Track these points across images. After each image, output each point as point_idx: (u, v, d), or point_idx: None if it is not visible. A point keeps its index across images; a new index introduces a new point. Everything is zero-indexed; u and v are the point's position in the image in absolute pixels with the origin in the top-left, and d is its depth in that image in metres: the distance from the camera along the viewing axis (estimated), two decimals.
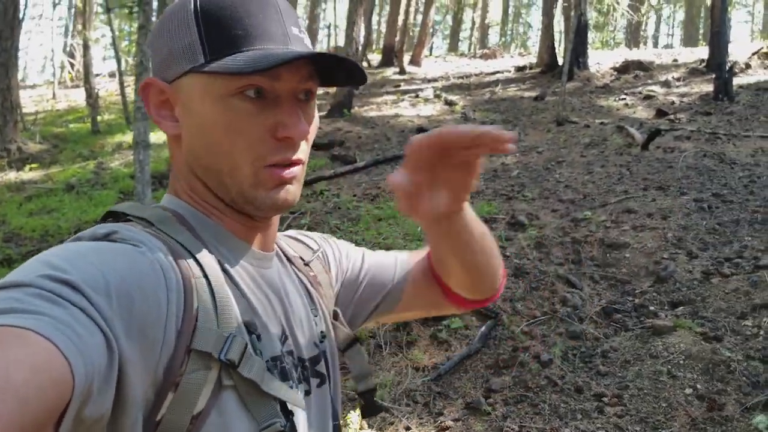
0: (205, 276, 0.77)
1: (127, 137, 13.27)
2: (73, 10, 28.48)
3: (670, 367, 3.78)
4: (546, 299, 4.78)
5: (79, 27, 21.38)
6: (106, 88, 22.50)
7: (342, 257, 1.12)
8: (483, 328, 4.36)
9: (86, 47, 17.92)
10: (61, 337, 0.54)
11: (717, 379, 3.62)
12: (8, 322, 0.54)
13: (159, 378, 0.68)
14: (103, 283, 0.63)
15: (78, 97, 21.53)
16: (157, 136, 12.13)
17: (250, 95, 0.78)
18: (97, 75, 22.14)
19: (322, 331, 0.97)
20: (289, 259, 1.00)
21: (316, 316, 0.98)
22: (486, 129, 0.69)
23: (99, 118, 15.87)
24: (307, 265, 1.04)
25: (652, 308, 4.52)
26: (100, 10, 25.31)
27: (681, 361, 3.81)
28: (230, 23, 0.78)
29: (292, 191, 0.84)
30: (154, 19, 8.93)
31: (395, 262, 1.14)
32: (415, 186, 0.76)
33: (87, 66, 17.34)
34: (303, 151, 0.85)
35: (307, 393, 0.89)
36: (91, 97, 16.12)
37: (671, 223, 5.80)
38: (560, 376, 3.88)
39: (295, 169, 0.84)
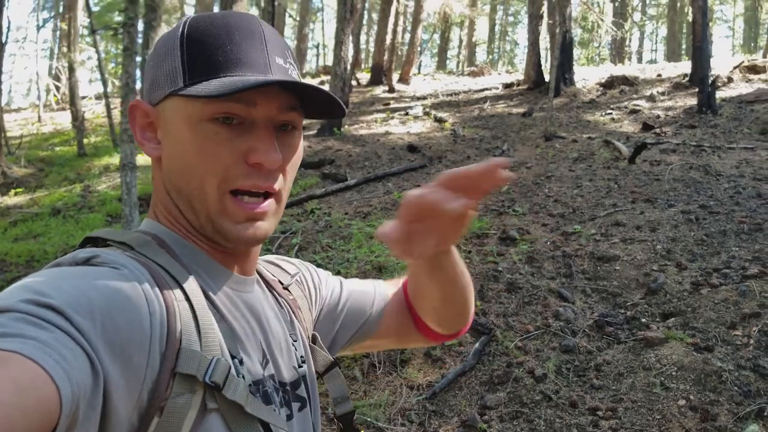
0: (188, 299, 0.77)
1: (114, 159, 13.23)
2: (58, 33, 28.45)
3: (663, 378, 3.80)
4: (539, 314, 4.80)
5: (65, 49, 21.35)
6: (93, 111, 22.42)
7: (321, 284, 1.14)
8: (477, 345, 4.38)
9: (71, 69, 17.89)
10: (47, 359, 0.54)
11: (709, 389, 3.65)
12: None
13: (144, 402, 0.68)
14: (87, 306, 0.63)
15: (64, 120, 21.44)
16: (144, 158, 12.11)
17: (226, 121, 0.79)
18: (84, 97, 22.10)
19: (301, 356, 0.98)
20: (268, 283, 1.01)
21: (295, 340, 0.98)
22: (472, 170, 0.71)
23: (85, 140, 15.81)
24: (286, 288, 1.05)
25: (643, 320, 4.56)
26: (85, 32, 25.33)
27: (673, 373, 3.83)
28: (212, 50, 0.79)
29: (263, 228, 0.84)
30: (139, 40, 8.95)
31: (374, 291, 1.16)
32: (406, 235, 0.76)
33: (73, 88, 17.31)
34: (278, 183, 0.84)
35: (289, 417, 0.90)
36: (77, 119, 16.07)
37: (660, 235, 5.85)
38: (555, 390, 3.89)
39: (267, 204, 0.83)
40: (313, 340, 1.04)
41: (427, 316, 1.10)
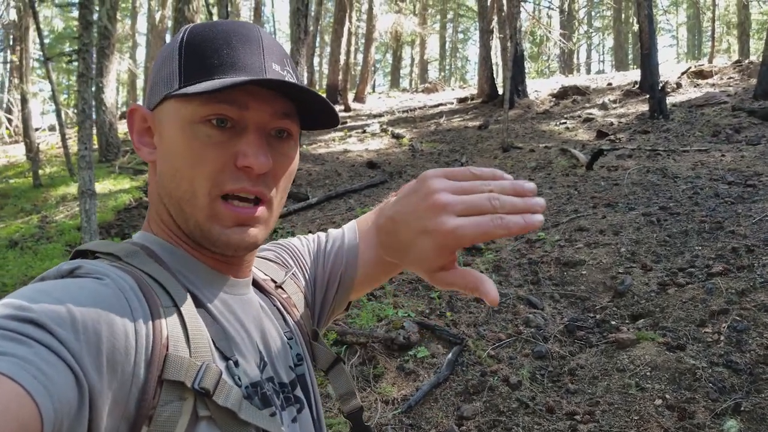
0: (176, 305, 0.75)
1: (71, 189, 12.95)
2: (8, 66, 27.88)
3: (637, 379, 3.80)
4: (509, 321, 4.77)
5: (16, 81, 20.94)
6: (47, 142, 21.98)
7: (305, 258, 1.11)
8: (449, 355, 4.32)
9: (24, 101, 17.53)
10: (26, 376, 0.52)
11: (684, 387, 3.65)
12: None
13: (131, 411, 0.65)
14: (69, 318, 0.60)
15: (17, 153, 20.96)
16: (102, 186, 11.84)
17: (217, 123, 0.77)
18: (37, 129, 21.64)
19: (297, 354, 0.95)
20: (257, 283, 0.97)
21: (290, 339, 0.95)
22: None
23: (41, 171, 15.45)
24: (279, 287, 1.02)
25: (613, 323, 4.56)
26: (36, 65, 24.86)
27: (648, 373, 3.83)
28: (208, 53, 0.79)
29: (252, 234, 0.81)
30: (93, 66, 8.79)
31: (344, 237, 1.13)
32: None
33: (26, 120, 16.95)
34: (269, 188, 0.82)
35: (294, 420, 0.87)
36: (32, 150, 15.71)
37: (623, 238, 5.90)
38: (531, 397, 3.85)
39: (258, 210, 0.81)
40: (314, 336, 1.02)
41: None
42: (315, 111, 0.85)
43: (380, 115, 18.16)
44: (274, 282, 1.02)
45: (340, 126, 16.78)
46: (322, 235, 1.17)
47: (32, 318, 0.58)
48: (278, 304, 0.98)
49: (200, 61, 0.79)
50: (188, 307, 0.76)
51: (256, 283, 0.97)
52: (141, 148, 0.85)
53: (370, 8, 22.27)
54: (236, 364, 0.78)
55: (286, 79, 0.82)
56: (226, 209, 0.79)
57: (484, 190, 0.71)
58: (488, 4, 18.23)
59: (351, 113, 19.40)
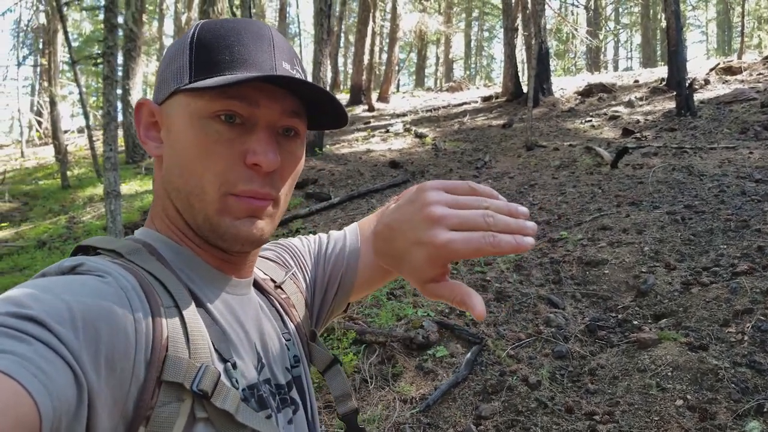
0: (176, 305, 0.75)
1: (98, 190, 13.17)
2: (38, 69, 28.40)
3: (658, 379, 3.75)
4: (529, 321, 4.74)
5: (45, 84, 21.34)
6: (75, 143, 22.38)
7: (306, 260, 1.12)
8: (468, 355, 4.31)
9: (53, 103, 17.87)
10: (26, 374, 0.52)
11: (706, 388, 3.60)
12: None
13: (129, 411, 0.65)
14: (68, 316, 0.60)
15: (47, 155, 21.40)
16: (128, 187, 12.02)
17: (226, 119, 0.78)
18: (66, 131, 22.03)
19: (294, 355, 0.95)
20: (257, 283, 0.98)
21: (288, 340, 0.96)
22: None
23: (69, 173, 15.75)
24: (278, 287, 1.02)
25: (635, 322, 4.51)
26: (65, 68, 25.28)
27: (669, 373, 3.78)
28: (219, 49, 0.79)
29: (261, 227, 0.82)
30: (120, 73, 8.91)
31: (345, 240, 1.15)
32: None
33: (55, 122, 17.28)
34: (276, 188, 0.82)
35: (290, 421, 0.88)
36: (60, 152, 16.01)
37: (647, 237, 5.83)
38: (550, 397, 3.82)
39: (266, 203, 0.81)
40: (312, 337, 1.02)
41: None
42: (324, 110, 0.86)
43: (404, 115, 18.14)
44: (274, 282, 1.02)
45: (363, 126, 16.83)
46: (323, 236, 1.18)
47: (32, 315, 0.58)
48: (277, 304, 0.98)
49: (211, 56, 0.79)
50: (189, 308, 0.76)
51: (255, 283, 0.97)
52: (147, 142, 0.86)
53: (394, 8, 22.25)
54: (234, 366, 0.78)
55: (296, 77, 0.83)
56: (237, 202, 0.79)
57: (481, 206, 0.71)
58: (512, 1, 18.11)
59: (374, 113, 19.41)
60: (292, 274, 1.06)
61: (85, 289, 0.66)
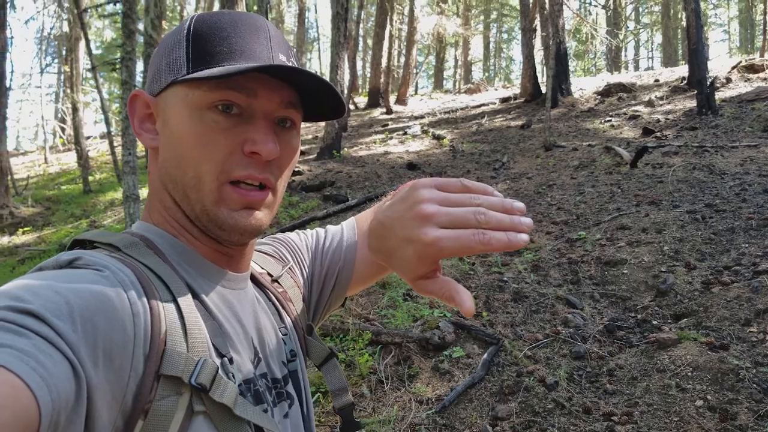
0: (174, 299, 0.75)
1: (119, 194, 13.31)
2: (61, 76, 28.82)
3: (678, 380, 3.69)
4: (547, 321, 4.70)
5: (68, 91, 21.64)
6: (98, 149, 22.67)
7: (303, 255, 1.12)
8: (485, 356, 4.27)
9: (75, 110, 18.10)
10: (25, 368, 0.52)
11: (727, 388, 3.54)
12: None
13: (128, 405, 0.65)
14: (67, 310, 0.60)
15: (70, 160, 21.69)
16: (147, 190, 12.12)
17: (223, 109, 0.78)
18: (88, 137, 22.33)
19: (291, 350, 0.95)
20: (254, 277, 0.98)
21: (285, 334, 0.96)
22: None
23: (90, 177, 15.95)
24: (275, 281, 1.02)
25: (654, 322, 4.45)
26: (88, 75, 25.61)
27: (689, 373, 3.72)
28: (217, 41, 0.79)
29: (259, 218, 0.82)
30: (139, 78, 9.00)
31: (342, 236, 1.16)
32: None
33: (77, 128, 17.50)
34: (274, 176, 0.83)
35: (286, 416, 0.88)
36: (82, 157, 16.21)
37: (666, 237, 5.75)
38: (567, 398, 3.78)
39: (264, 194, 0.82)
40: (309, 331, 1.02)
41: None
42: (321, 101, 0.86)
43: (421, 117, 18.13)
44: (271, 276, 1.02)
45: (381, 128, 16.84)
46: (320, 231, 1.17)
47: (30, 309, 0.58)
48: (274, 298, 0.98)
49: (209, 48, 0.79)
50: (187, 302, 0.76)
51: (252, 277, 0.97)
52: (142, 134, 0.86)
53: (411, 10, 22.28)
54: (231, 361, 0.78)
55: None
56: (234, 193, 0.79)
57: (473, 204, 0.70)
58: (530, 2, 18.03)
59: (393, 115, 19.42)
60: (289, 268, 1.06)
61: (83, 284, 0.66)
